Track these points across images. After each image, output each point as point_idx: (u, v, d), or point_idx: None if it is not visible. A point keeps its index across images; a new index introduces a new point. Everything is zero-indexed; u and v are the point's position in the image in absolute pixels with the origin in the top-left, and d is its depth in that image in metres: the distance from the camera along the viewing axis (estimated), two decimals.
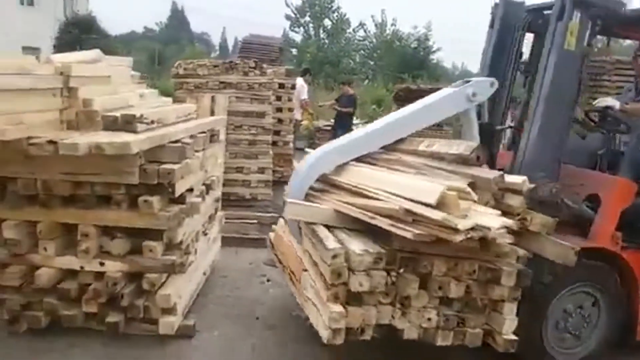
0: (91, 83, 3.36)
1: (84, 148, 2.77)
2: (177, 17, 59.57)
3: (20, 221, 3.08)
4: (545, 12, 3.55)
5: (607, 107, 3.58)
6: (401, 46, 28.39)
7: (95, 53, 3.95)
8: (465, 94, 3.32)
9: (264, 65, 7.25)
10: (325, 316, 2.57)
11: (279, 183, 7.76)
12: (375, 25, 30.00)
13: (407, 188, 2.69)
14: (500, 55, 3.66)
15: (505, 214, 2.69)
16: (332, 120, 11.55)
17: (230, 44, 56.29)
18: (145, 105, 3.89)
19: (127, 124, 3.07)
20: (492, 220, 2.51)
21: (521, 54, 3.69)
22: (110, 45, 18.27)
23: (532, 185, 2.81)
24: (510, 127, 3.66)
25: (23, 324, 3.16)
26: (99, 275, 3.12)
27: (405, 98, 13.69)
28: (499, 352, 2.83)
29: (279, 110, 7.80)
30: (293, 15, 31.34)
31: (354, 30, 31.21)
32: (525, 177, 2.82)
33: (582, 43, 3.20)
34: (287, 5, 30.56)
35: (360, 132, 3.52)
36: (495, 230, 2.45)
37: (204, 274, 4.11)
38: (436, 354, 2.99)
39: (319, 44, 29.96)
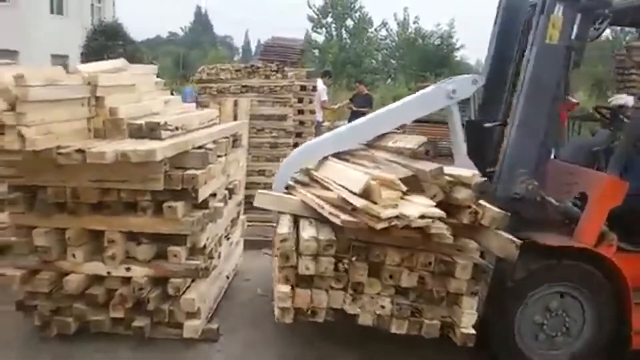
0: (117, 92, 3.43)
1: (111, 156, 2.84)
2: (201, 21, 60.22)
3: (50, 228, 3.18)
4: None
5: (620, 106, 3.51)
6: (424, 44, 28.20)
7: (120, 62, 4.04)
8: (445, 91, 3.34)
9: (285, 68, 7.30)
10: (275, 295, 2.82)
11: None
12: (398, 23, 29.89)
13: (345, 179, 2.90)
14: (504, 53, 3.59)
15: (457, 207, 2.74)
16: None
17: (253, 46, 56.62)
18: (169, 112, 3.97)
19: (152, 131, 3.14)
20: (415, 209, 2.55)
21: (524, 50, 3.56)
22: (136, 51, 18.57)
23: (483, 180, 2.82)
24: (500, 124, 3.55)
25: (53, 329, 3.26)
26: (125, 281, 3.20)
27: None
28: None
29: (300, 112, 7.83)
30: (315, 16, 31.40)
31: (376, 29, 31.12)
32: (475, 172, 2.84)
33: (567, 36, 3.10)
34: (309, 6, 30.64)
35: (342, 129, 3.69)
36: (416, 218, 2.49)
37: (227, 277, 4.17)
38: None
39: (341, 45, 29.93)
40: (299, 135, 7.79)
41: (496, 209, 2.75)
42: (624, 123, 3.35)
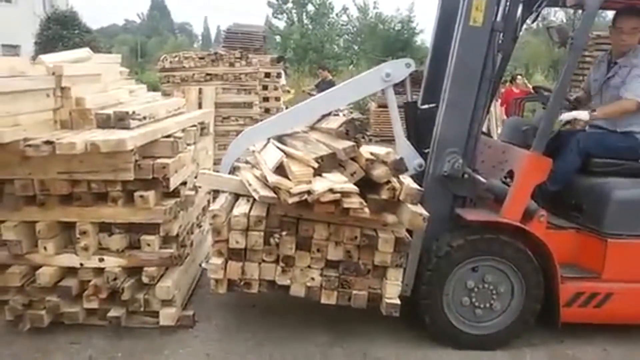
0: (82, 82, 3.39)
1: (81, 147, 2.82)
2: (158, 7, 58.83)
3: (19, 222, 3.13)
4: None
5: (575, 120, 3.55)
6: (385, 29, 28.33)
7: (84, 51, 3.97)
8: (380, 74, 3.40)
9: (250, 55, 7.30)
10: (207, 268, 3.04)
11: None
12: (358, 8, 29.95)
13: (268, 158, 3.10)
14: (445, 35, 3.51)
15: (378, 184, 2.87)
16: None
17: (213, 33, 55.77)
18: (136, 101, 3.94)
19: (120, 120, 3.13)
20: (325, 184, 2.70)
21: None
22: (92, 40, 18.06)
23: (398, 157, 2.92)
24: (435, 105, 3.50)
25: (26, 323, 3.23)
26: (99, 272, 3.20)
27: None
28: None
29: (266, 99, 7.86)
30: (275, 1, 31.14)
31: (337, 15, 31.11)
32: (390, 150, 2.96)
33: (491, 18, 3.12)
34: None
35: (285, 113, 3.85)
36: (324, 193, 2.64)
37: (200, 265, 4.19)
38: None
39: (302, 30, 29.81)
40: None
41: (412, 185, 2.88)
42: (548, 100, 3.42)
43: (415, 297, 3.25)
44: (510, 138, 3.72)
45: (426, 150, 3.36)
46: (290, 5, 31.00)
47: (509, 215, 3.17)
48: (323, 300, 3.06)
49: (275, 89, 8.08)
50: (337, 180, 2.75)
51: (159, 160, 3.17)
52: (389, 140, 13.34)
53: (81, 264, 3.20)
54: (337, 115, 10.67)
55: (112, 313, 3.24)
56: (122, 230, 3.22)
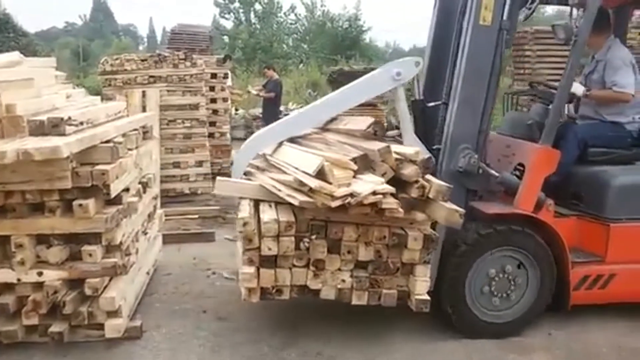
0: (13, 87, 3.22)
1: (12, 156, 2.68)
2: (101, 9, 57.10)
3: None
4: None
5: (572, 94, 3.69)
6: (333, 27, 28.48)
7: (15, 55, 3.78)
8: (391, 73, 3.44)
9: (194, 56, 7.15)
10: (240, 277, 2.93)
11: (219, 175, 7.74)
12: (305, 7, 29.96)
13: (300, 162, 3.01)
14: (444, 33, 3.66)
15: (406, 183, 2.90)
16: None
17: (159, 34, 54.61)
18: (73, 106, 3.78)
19: (55, 127, 2.99)
20: (366, 186, 2.72)
21: (461, 32, 3.67)
22: (29, 44, 17.33)
23: (427, 156, 3.02)
24: (443, 103, 3.63)
25: None
26: (38, 286, 3.05)
27: (339, 80, 13.87)
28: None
29: (213, 101, 7.73)
30: (222, 1, 30.76)
31: (285, 13, 31.04)
32: (418, 149, 3.03)
33: (499, 17, 3.26)
34: None
35: (295, 114, 3.75)
36: (368, 195, 2.66)
37: (148, 273, 4.09)
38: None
39: (250, 30, 29.58)
40: (213, 124, 7.69)
41: (441, 182, 2.94)
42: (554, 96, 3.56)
43: (438, 290, 3.30)
44: (512, 132, 3.83)
45: (434, 147, 3.42)
46: (237, 4, 30.69)
47: (524, 206, 3.31)
48: (354, 302, 3.04)
49: (223, 89, 7.94)
50: (375, 182, 2.77)
51: (98, 167, 3.05)
52: None
53: (18, 279, 3.04)
54: (287, 114, 10.63)
55: (54, 328, 3.09)
56: (62, 241, 3.09)
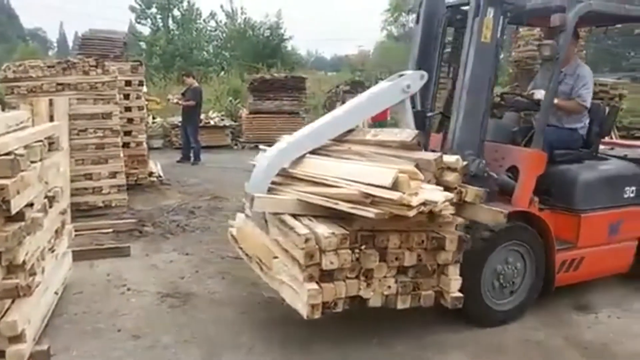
0: None
1: None
2: (5, 11, 53.59)
3: None
4: (463, 7, 4.03)
5: (538, 100, 4.07)
6: (254, 35, 28.39)
7: None
8: (401, 86, 3.66)
9: (107, 63, 6.86)
10: (303, 295, 2.89)
11: (135, 187, 7.49)
12: (226, 14, 29.68)
13: (364, 174, 3.03)
14: (427, 49, 4.08)
15: (444, 189, 3.07)
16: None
17: (70, 40, 52.02)
18: None
19: None
20: (437, 195, 2.93)
21: (444, 47, 4.15)
22: None
23: (465, 163, 3.22)
24: (440, 113, 4.10)
25: None
26: None
27: (260, 88, 13.83)
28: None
29: (128, 109, 7.46)
30: (138, 6, 29.82)
31: (204, 20, 30.57)
32: (458, 157, 3.21)
33: (496, 35, 3.62)
34: None
35: (312, 127, 3.70)
36: (441, 203, 2.87)
37: (56, 293, 3.85)
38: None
39: (168, 37, 28.86)
40: (128, 133, 7.42)
41: (476, 187, 3.17)
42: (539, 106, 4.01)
43: None
44: (495, 138, 4.10)
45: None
46: (154, 10, 29.87)
47: (521, 203, 3.73)
48: (399, 306, 3.13)
49: (138, 97, 7.69)
50: (436, 189, 2.96)
51: None
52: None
53: None
54: (209, 123, 10.49)
55: None
56: None
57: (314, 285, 2.88)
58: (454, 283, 3.20)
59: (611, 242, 4.19)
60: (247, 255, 3.80)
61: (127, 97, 7.46)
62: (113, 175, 6.41)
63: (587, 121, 4.40)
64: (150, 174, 8.23)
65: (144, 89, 9.33)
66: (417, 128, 3.83)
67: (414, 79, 3.69)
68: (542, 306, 3.91)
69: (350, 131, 3.70)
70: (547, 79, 4.40)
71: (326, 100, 15.33)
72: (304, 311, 2.91)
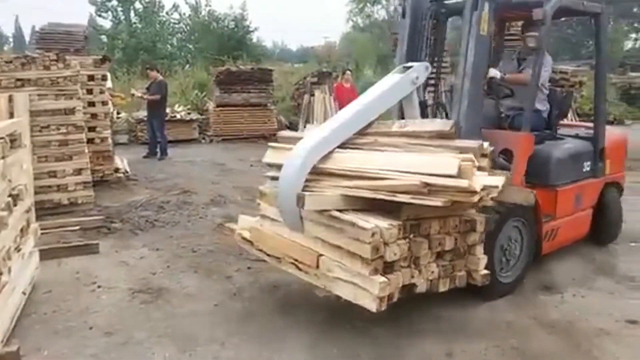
0: None
1: None
2: None
3: None
4: (446, 1, 4.38)
5: (491, 78, 4.49)
6: (219, 27, 27.97)
7: None
8: (410, 78, 3.76)
9: (68, 57, 6.69)
10: (373, 288, 2.91)
11: (101, 183, 7.35)
12: (190, 7, 29.17)
13: (421, 164, 3.08)
14: (414, 41, 4.29)
15: None
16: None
17: (27, 34, 50.37)
18: None
19: None
20: (494, 179, 3.10)
21: (429, 39, 4.33)
22: None
23: (492, 149, 3.37)
24: (439, 103, 4.36)
25: None
26: None
27: (227, 80, 13.68)
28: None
29: (91, 104, 7.30)
30: None
31: (167, 13, 29.95)
32: (487, 143, 3.32)
33: (490, 28, 3.91)
34: None
35: (337, 122, 3.66)
36: (500, 187, 3.05)
37: (24, 293, 3.76)
38: None
39: (130, 30, 28.20)
40: (92, 129, 7.27)
41: (505, 172, 3.41)
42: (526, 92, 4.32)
43: None
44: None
45: None
46: (115, 2, 29.12)
47: (517, 182, 3.95)
48: (441, 289, 3.26)
49: (102, 92, 7.52)
50: (483, 175, 3.08)
51: None
52: (229, 139, 13.27)
53: None
54: (175, 117, 10.37)
55: None
56: None
57: (383, 278, 2.93)
58: (482, 262, 3.40)
59: (576, 212, 4.70)
60: (270, 256, 3.68)
61: (90, 92, 7.29)
62: (78, 172, 6.27)
63: (548, 105, 4.78)
64: (117, 170, 8.08)
65: (109, 84, 9.14)
66: (422, 117, 4.04)
67: (420, 70, 3.81)
68: (477, 295, 3.92)
69: (369, 124, 3.71)
70: (509, 65, 4.85)
71: (294, 92, 15.26)
72: (373, 305, 2.93)
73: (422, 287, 3.18)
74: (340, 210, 3.15)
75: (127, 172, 8.42)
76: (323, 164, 3.40)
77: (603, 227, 5.05)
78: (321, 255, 3.26)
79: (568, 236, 4.69)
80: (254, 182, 8.32)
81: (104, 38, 28.20)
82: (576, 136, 4.97)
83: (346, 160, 3.39)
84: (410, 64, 3.89)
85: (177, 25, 30.36)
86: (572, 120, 11.40)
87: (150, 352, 3.26)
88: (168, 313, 3.77)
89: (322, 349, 3.29)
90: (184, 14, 29.78)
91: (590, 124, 5.15)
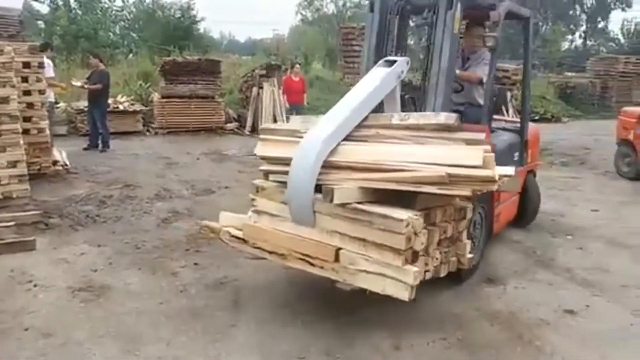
0: None
1: None
2: None
3: None
4: None
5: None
6: (164, 16, 27.26)
7: None
8: (396, 72, 3.77)
9: (1, 42, 6.32)
10: (407, 278, 2.99)
11: (38, 177, 7.01)
12: None
13: (444, 156, 3.12)
14: (381, 35, 4.38)
15: None
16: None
17: None
18: None
19: None
20: (506, 168, 3.26)
21: (394, 35, 4.39)
22: None
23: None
24: (410, 97, 4.44)
25: None
26: None
27: (172, 71, 13.33)
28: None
29: (27, 93, 6.93)
30: None
31: (110, 0, 28.89)
32: (483, 135, 3.36)
33: (460, 26, 4.11)
34: None
35: (339, 115, 3.57)
36: (513, 173, 3.25)
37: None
38: None
39: (70, 16, 27.03)
40: (28, 119, 6.92)
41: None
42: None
43: None
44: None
45: None
46: None
47: None
48: (441, 274, 3.43)
49: (39, 80, 7.16)
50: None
51: None
52: (175, 131, 12.95)
53: None
54: (118, 108, 10.03)
55: None
56: None
57: (415, 267, 3.03)
58: (467, 246, 3.64)
59: (511, 197, 5.22)
60: (272, 253, 3.55)
61: (25, 80, 6.92)
62: (13, 164, 5.93)
63: None
64: (55, 162, 7.72)
65: (51, 72, 8.71)
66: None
67: (404, 65, 3.83)
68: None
69: (366, 117, 3.68)
70: (457, 64, 4.97)
71: (242, 84, 15.05)
72: (405, 294, 3.00)
73: (428, 273, 3.31)
74: (360, 203, 3.20)
75: (66, 165, 8.06)
76: (332, 157, 3.38)
77: (526, 209, 5.62)
78: (340, 249, 3.23)
79: (507, 218, 5.20)
80: (200, 175, 8.25)
81: (41, 24, 26.93)
82: (504, 129, 5.33)
83: (358, 152, 3.38)
84: (392, 58, 3.93)
85: (120, 13, 29.38)
86: (512, 117, 11.83)
87: (91, 353, 3.13)
88: (110, 312, 3.64)
89: (271, 346, 3.26)
90: (127, 1, 28.86)
91: (509, 118, 5.69)
